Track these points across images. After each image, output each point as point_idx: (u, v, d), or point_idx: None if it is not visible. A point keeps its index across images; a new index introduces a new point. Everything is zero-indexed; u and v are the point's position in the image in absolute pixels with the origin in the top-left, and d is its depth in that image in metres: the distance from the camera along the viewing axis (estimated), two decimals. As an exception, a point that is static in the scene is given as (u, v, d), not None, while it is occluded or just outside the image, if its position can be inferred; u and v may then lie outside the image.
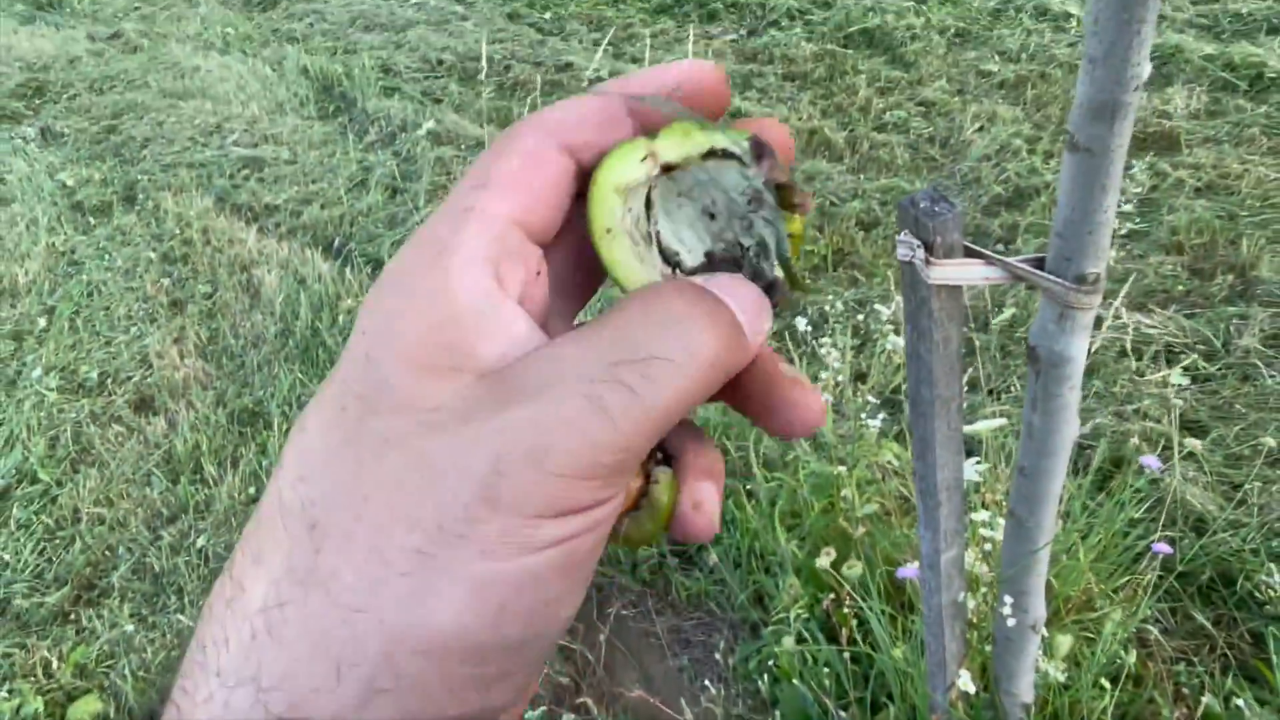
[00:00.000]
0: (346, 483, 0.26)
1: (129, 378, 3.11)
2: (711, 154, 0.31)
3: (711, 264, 0.33)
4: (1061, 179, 0.88)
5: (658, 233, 0.32)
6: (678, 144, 0.31)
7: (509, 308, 0.28)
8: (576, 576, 0.27)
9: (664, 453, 0.32)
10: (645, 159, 0.30)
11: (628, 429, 0.25)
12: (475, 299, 0.27)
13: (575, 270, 0.33)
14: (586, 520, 0.26)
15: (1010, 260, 0.91)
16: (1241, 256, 2.59)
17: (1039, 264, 0.93)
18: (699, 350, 0.27)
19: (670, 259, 0.32)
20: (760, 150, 0.31)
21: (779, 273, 0.32)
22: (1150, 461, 1.31)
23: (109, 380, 3.11)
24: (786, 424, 0.31)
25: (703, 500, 0.31)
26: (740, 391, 0.31)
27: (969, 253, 0.93)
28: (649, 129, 0.31)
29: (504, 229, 0.29)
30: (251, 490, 2.56)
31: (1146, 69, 0.79)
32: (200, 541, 2.45)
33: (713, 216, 0.33)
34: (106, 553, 2.49)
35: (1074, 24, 4.13)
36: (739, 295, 0.30)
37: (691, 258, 0.33)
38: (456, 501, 0.25)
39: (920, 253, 0.91)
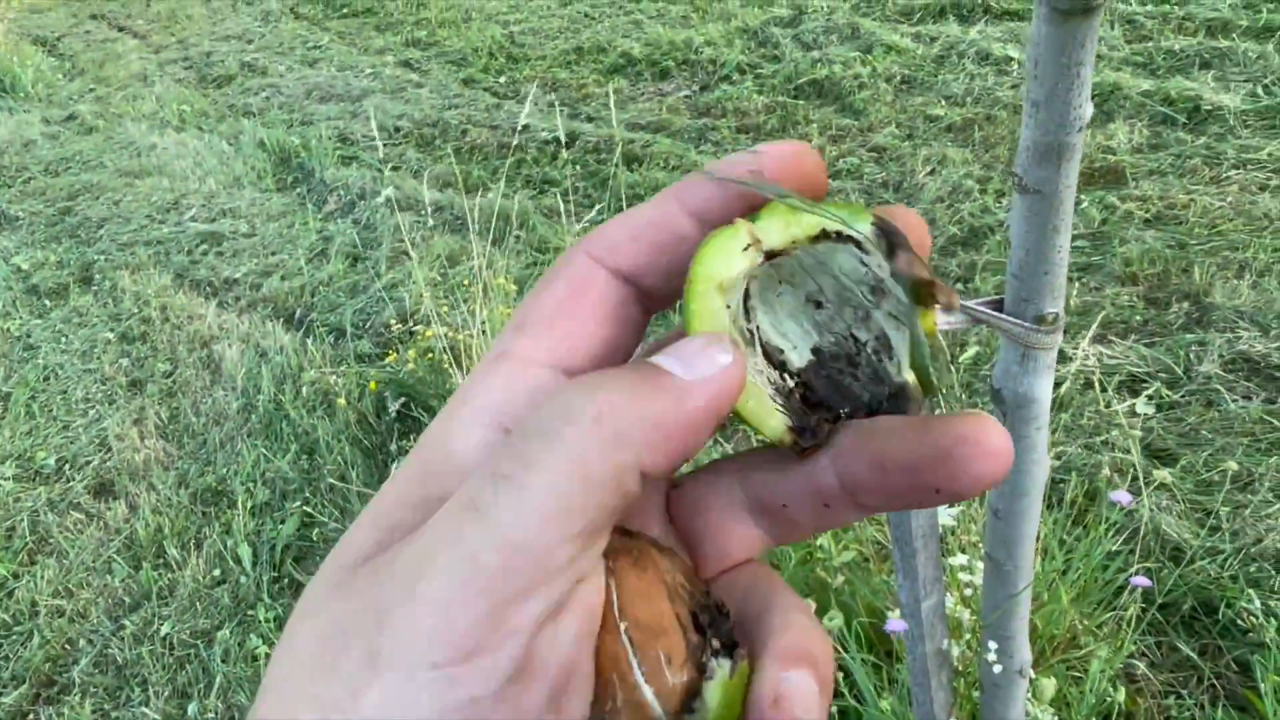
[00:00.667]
0: (298, 655, 0.23)
1: (88, 462, 3.04)
2: (823, 237, 0.27)
3: (820, 362, 0.28)
4: (1013, 221, 0.88)
5: (757, 328, 0.28)
6: (782, 226, 0.26)
7: None
8: None
9: (728, 635, 0.25)
10: (749, 247, 0.26)
11: (504, 517, 0.21)
12: (469, 454, 0.25)
13: None
14: (491, 669, 0.21)
15: (969, 304, 0.91)
16: (1194, 284, 2.63)
17: (998, 306, 0.93)
18: (584, 409, 0.22)
19: (773, 358, 0.28)
20: (890, 235, 0.26)
21: (907, 375, 0.27)
22: (1120, 497, 1.31)
23: (67, 466, 3.04)
24: (953, 480, 0.24)
25: (786, 695, 0.24)
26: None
27: (928, 298, 0.93)
28: (748, 211, 0.27)
29: (536, 375, 0.26)
30: (216, 572, 2.49)
31: (1089, 110, 0.80)
32: (164, 629, 2.37)
33: (819, 305, 0.28)
34: (66, 646, 2.40)
35: (1015, 67, 4.25)
36: (683, 348, 0.25)
37: (797, 355, 0.28)
38: (346, 667, 0.21)
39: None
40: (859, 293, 0.28)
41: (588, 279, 0.27)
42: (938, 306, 0.26)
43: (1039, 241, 0.86)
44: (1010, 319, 0.91)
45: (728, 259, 0.26)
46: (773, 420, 0.26)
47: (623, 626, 0.24)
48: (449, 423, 0.26)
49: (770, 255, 0.26)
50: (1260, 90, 3.53)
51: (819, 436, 0.27)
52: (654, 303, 0.29)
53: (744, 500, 0.29)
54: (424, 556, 0.21)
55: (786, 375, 0.28)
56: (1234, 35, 3.98)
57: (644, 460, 0.23)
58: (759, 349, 0.28)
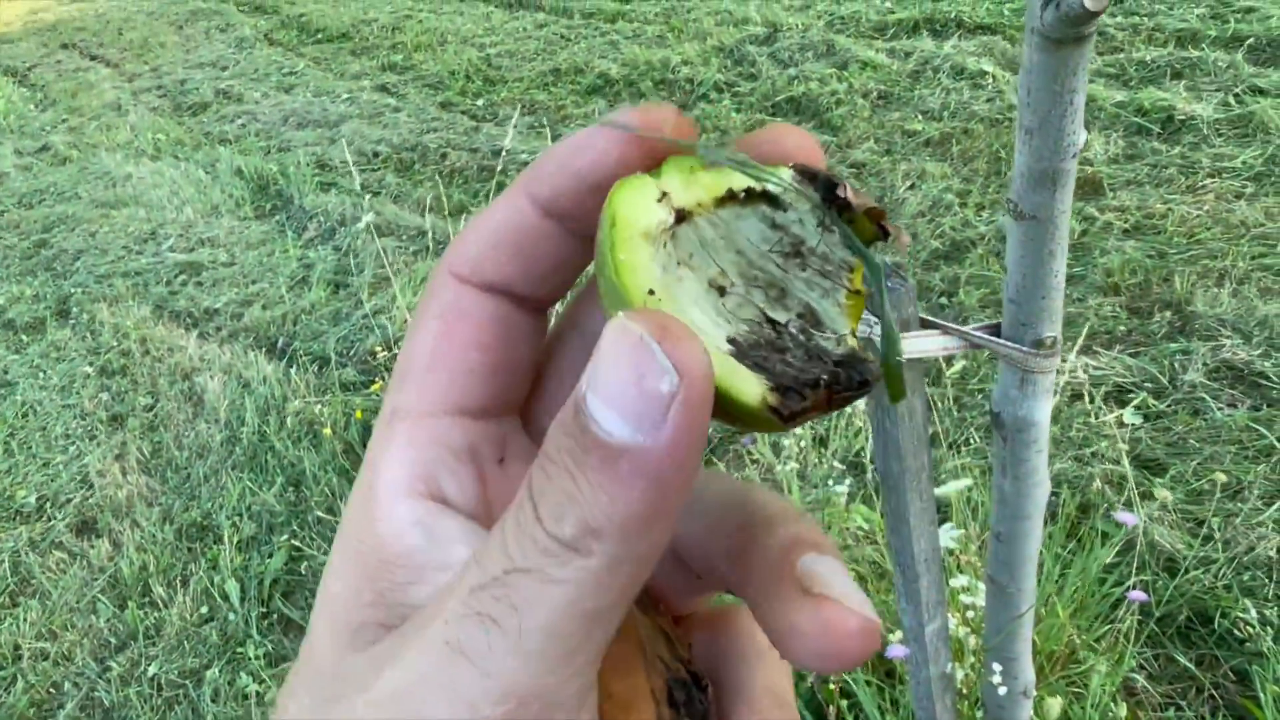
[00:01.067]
0: None
1: (69, 500, 2.99)
2: (729, 199, 0.23)
3: (740, 353, 0.22)
4: (1009, 247, 0.88)
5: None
6: (684, 179, 0.23)
7: (450, 530, 0.23)
8: None
9: (703, 713, 0.24)
10: (661, 199, 0.22)
11: (499, 670, 0.19)
12: (403, 533, 0.23)
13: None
14: None
15: (967, 330, 0.91)
16: (1176, 293, 2.66)
17: (995, 330, 0.93)
18: (564, 539, 0.19)
19: None
20: (816, 176, 0.22)
21: (850, 342, 0.22)
22: (1126, 518, 1.31)
23: (48, 504, 2.99)
24: (801, 653, 0.22)
25: None
26: (737, 583, 0.23)
27: (925, 324, 0.93)
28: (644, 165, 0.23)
29: (435, 428, 0.24)
30: (203, 609, 2.46)
31: (1083, 136, 0.80)
32: (151, 669, 2.33)
33: (722, 291, 0.24)
34: (51, 690, 2.36)
35: (990, 81, 4.29)
36: (612, 379, 0.19)
37: (711, 347, 0.23)
38: None
39: (877, 329, 0.90)
40: (770, 266, 0.23)
41: (457, 305, 0.25)
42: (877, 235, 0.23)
43: (1035, 267, 0.86)
44: (1009, 343, 0.91)
45: (646, 207, 0.22)
46: (746, 385, 0.21)
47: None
48: (368, 506, 0.24)
49: (678, 218, 0.23)
50: (1231, 99, 3.58)
51: (805, 397, 0.21)
52: (538, 304, 0.26)
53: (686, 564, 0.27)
54: (412, 699, 0.20)
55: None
56: (1203, 45, 4.04)
57: (647, 568, 0.20)
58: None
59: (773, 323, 0.23)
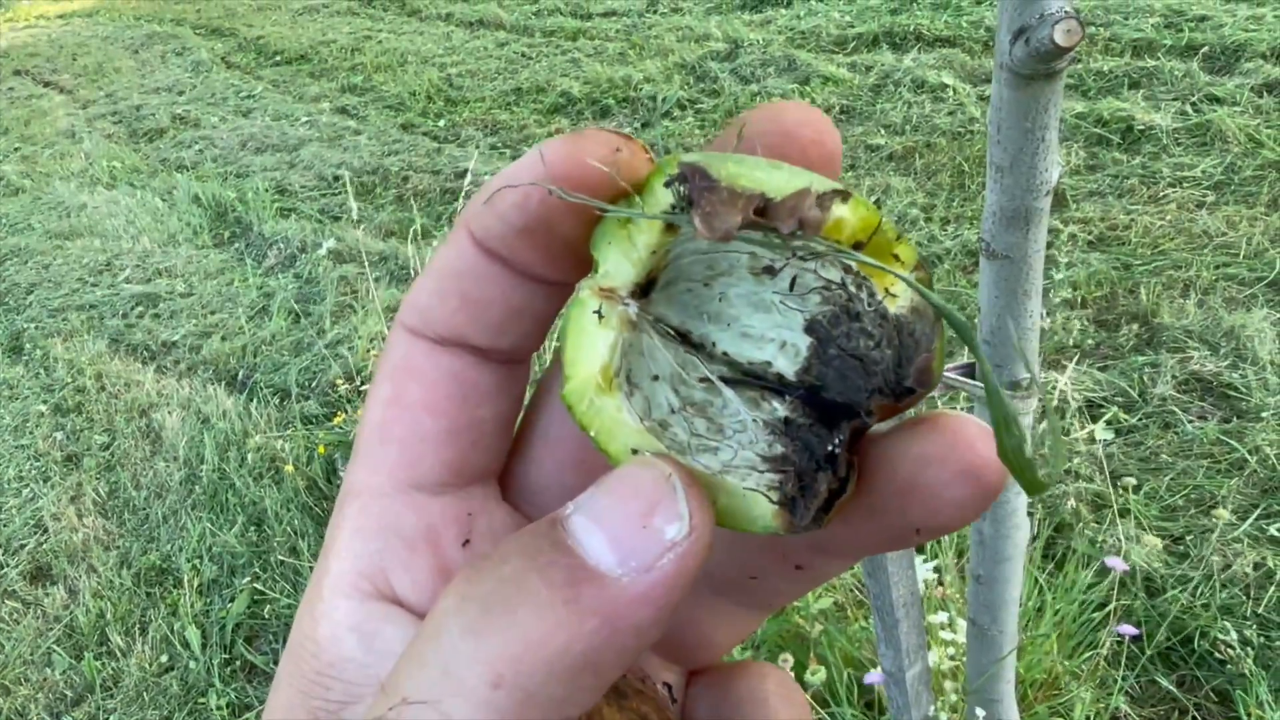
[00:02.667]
0: None
1: (22, 545, 2.89)
2: (670, 228, 0.20)
3: (823, 339, 0.20)
4: (981, 286, 0.85)
5: (724, 353, 0.21)
6: (622, 244, 0.20)
7: (391, 635, 0.21)
8: None
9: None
10: (603, 309, 0.20)
11: None
12: (340, 642, 0.21)
13: (565, 477, 0.23)
14: None
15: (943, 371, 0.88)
16: (1142, 305, 2.66)
17: (970, 371, 0.90)
18: (477, 674, 0.17)
19: (761, 377, 0.21)
20: (684, 180, 0.19)
21: (898, 294, 0.19)
22: (1116, 564, 1.29)
23: (0, 550, 2.88)
24: (931, 516, 0.20)
25: None
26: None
27: (898, 366, 0.90)
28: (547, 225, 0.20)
29: (385, 509, 0.21)
30: (163, 658, 2.37)
31: (1055, 173, 0.77)
32: (109, 723, 2.24)
33: (771, 270, 0.21)
34: (3, 749, 2.26)
35: (950, 94, 4.31)
36: (614, 507, 0.18)
37: (787, 356, 0.21)
38: None
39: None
40: (784, 255, 0.21)
41: (407, 363, 0.22)
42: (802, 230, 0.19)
43: (1009, 306, 0.83)
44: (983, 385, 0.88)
45: (590, 347, 0.20)
46: (756, 510, 0.19)
47: None
48: (313, 604, 0.21)
49: (643, 290, 0.20)
50: (1189, 108, 3.61)
51: (818, 498, 0.19)
52: (503, 357, 0.23)
53: (708, 584, 0.24)
54: None
55: (787, 396, 0.20)
56: (1159, 55, 4.08)
57: (567, 711, 0.17)
58: (724, 386, 0.21)
59: (845, 289, 0.20)
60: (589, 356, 0.20)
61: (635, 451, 0.19)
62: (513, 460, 0.25)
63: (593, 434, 0.20)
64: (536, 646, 0.16)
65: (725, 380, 0.21)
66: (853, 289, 0.20)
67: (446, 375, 0.22)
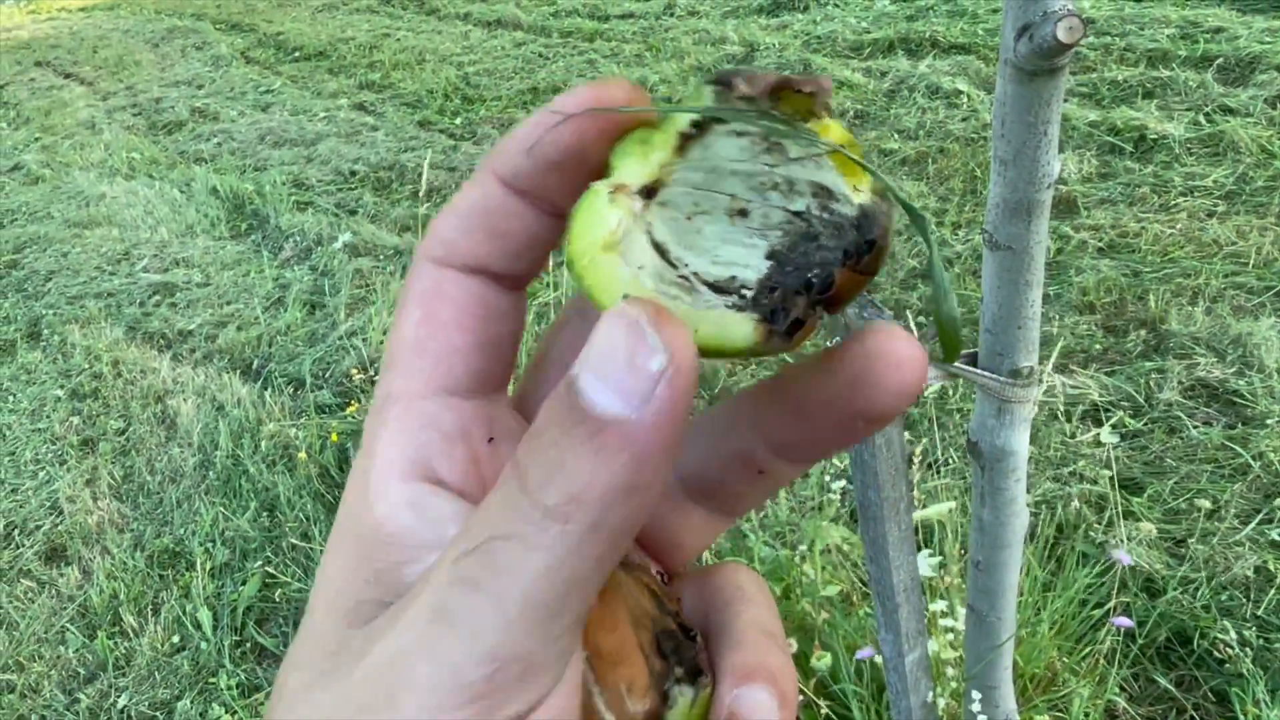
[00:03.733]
0: None
1: (38, 527, 2.94)
2: (685, 140, 0.24)
3: (782, 262, 0.23)
4: (985, 276, 0.88)
5: (694, 274, 0.24)
6: (639, 159, 0.23)
7: (443, 510, 0.24)
8: None
9: (693, 661, 0.24)
10: (615, 194, 0.23)
11: (483, 632, 0.20)
12: (398, 514, 0.24)
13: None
14: None
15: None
16: (1151, 311, 2.68)
17: (972, 360, 0.93)
18: (546, 505, 0.20)
19: (726, 289, 0.24)
20: (724, 82, 0.23)
21: (857, 199, 0.23)
22: (1122, 557, 1.31)
23: (16, 531, 2.93)
24: (872, 402, 0.23)
25: (740, 713, 0.23)
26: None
27: (902, 354, 0.92)
28: (568, 164, 0.24)
29: (425, 410, 0.25)
30: (175, 638, 2.41)
31: (1057, 167, 0.80)
32: (121, 701, 2.28)
33: (744, 213, 0.24)
34: (17, 724, 2.30)
35: (964, 100, 4.33)
36: (605, 355, 0.20)
37: (752, 271, 0.24)
38: None
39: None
40: (762, 167, 0.24)
41: (437, 289, 0.25)
42: (816, 102, 0.23)
43: (1011, 296, 0.86)
44: (986, 373, 0.90)
45: (599, 218, 0.23)
46: (738, 329, 0.22)
47: (584, 655, 0.23)
48: (364, 489, 0.24)
49: (648, 192, 0.24)
50: (1202, 118, 3.63)
51: (794, 312, 0.22)
52: (515, 282, 0.27)
53: (679, 487, 0.28)
54: (402, 666, 0.21)
55: (749, 299, 0.23)
56: (1174, 65, 4.09)
57: (624, 537, 0.21)
58: (706, 289, 0.24)
59: (798, 215, 0.24)
60: (596, 227, 0.23)
61: (625, 297, 0.21)
62: (526, 381, 0.29)
63: (588, 285, 0.22)
64: (588, 487, 0.20)
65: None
66: (815, 213, 0.24)
67: (473, 297, 0.26)
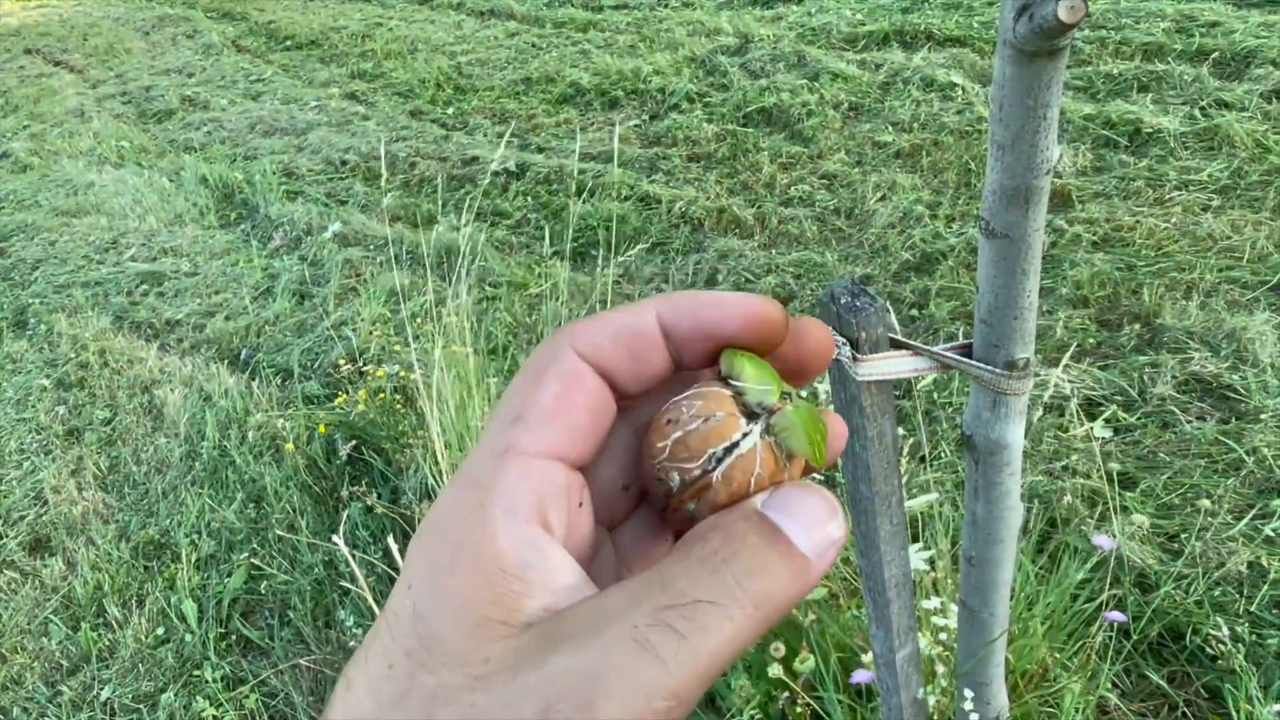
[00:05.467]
0: None
1: (22, 517, 2.91)
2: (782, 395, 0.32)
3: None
4: (980, 265, 0.86)
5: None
6: (773, 379, 0.31)
7: (556, 556, 0.28)
8: None
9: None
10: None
11: (678, 671, 0.25)
12: (520, 551, 0.27)
13: (615, 486, 0.33)
14: None
15: (938, 350, 0.89)
16: (1144, 306, 2.66)
17: (966, 351, 0.91)
18: (749, 592, 0.26)
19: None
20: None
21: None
22: (1103, 542, 1.29)
23: (0, 521, 2.90)
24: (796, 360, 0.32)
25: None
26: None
27: (895, 344, 0.90)
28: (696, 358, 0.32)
29: (545, 468, 0.29)
30: (159, 630, 2.38)
31: (1056, 152, 0.78)
32: (105, 693, 2.25)
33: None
34: (0, 716, 2.27)
35: (959, 93, 4.31)
36: (804, 513, 0.28)
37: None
38: None
39: (845, 350, 0.87)
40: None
41: (578, 376, 0.30)
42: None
43: (1008, 286, 0.84)
44: (980, 365, 0.88)
45: (811, 410, 0.31)
46: None
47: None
48: (488, 523, 0.27)
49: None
50: (1197, 112, 3.61)
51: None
52: (623, 398, 0.31)
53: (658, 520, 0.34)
54: (600, 679, 0.24)
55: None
56: (1169, 59, 4.07)
57: (767, 627, 0.27)
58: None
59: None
60: (815, 416, 0.32)
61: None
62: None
63: (814, 444, 0.31)
64: (779, 590, 0.27)
65: None
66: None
67: (601, 393, 0.30)
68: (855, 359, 0.87)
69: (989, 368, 0.88)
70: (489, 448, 0.29)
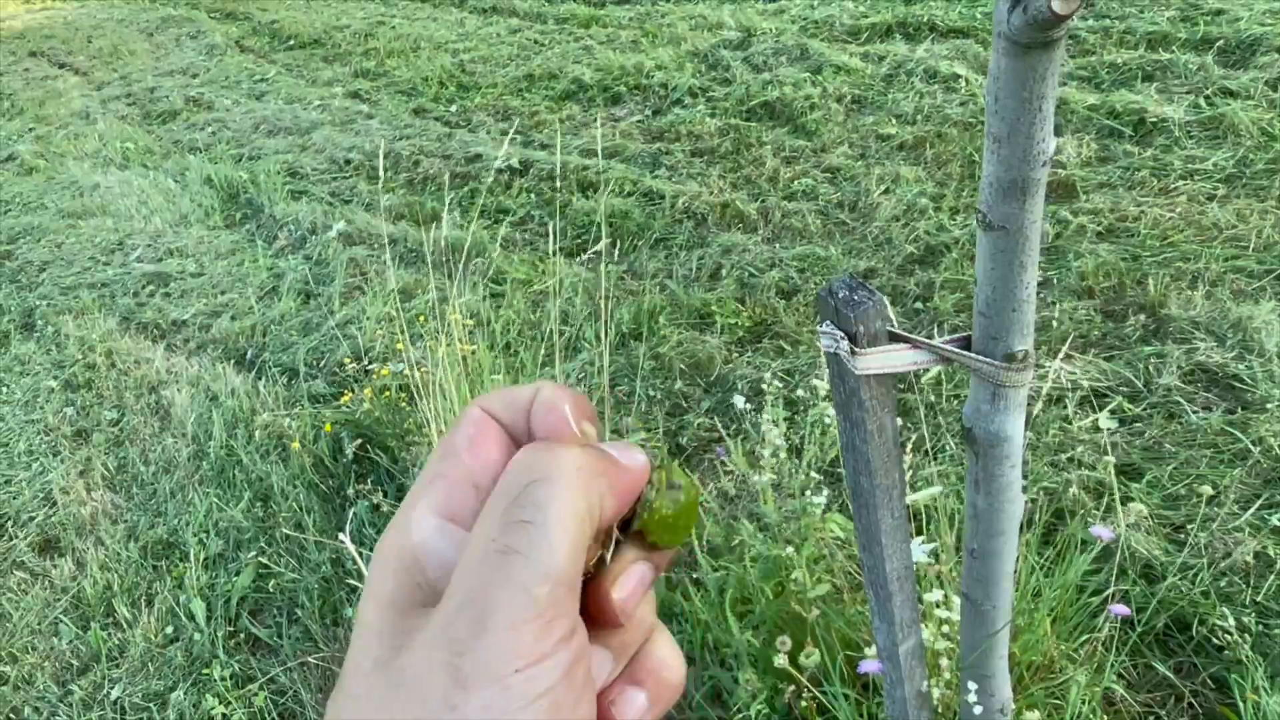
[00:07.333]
0: (370, 713, 0.28)
1: (31, 518, 2.92)
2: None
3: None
4: (978, 258, 0.86)
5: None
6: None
7: (461, 536, 0.31)
8: None
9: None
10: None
11: (540, 555, 0.28)
12: (427, 537, 0.31)
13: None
14: (554, 665, 0.27)
15: (937, 344, 0.89)
16: (1150, 296, 2.65)
17: (965, 344, 0.91)
18: (565, 462, 0.30)
19: None
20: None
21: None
22: (1101, 532, 1.29)
23: (9, 523, 2.92)
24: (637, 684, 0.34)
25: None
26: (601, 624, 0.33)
27: (893, 338, 0.90)
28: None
29: (460, 481, 0.33)
30: (168, 629, 2.39)
31: (1052, 144, 0.77)
32: (115, 692, 2.26)
33: None
34: (11, 716, 2.29)
35: (962, 84, 4.29)
36: (611, 445, 0.33)
37: None
38: (434, 696, 0.26)
39: (844, 344, 0.87)
40: None
41: (485, 424, 0.35)
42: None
43: (1006, 278, 0.84)
44: (979, 357, 0.88)
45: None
46: None
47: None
48: (405, 524, 0.32)
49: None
50: (1202, 101, 3.59)
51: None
52: (518, 442, 0.36)
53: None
54: (483, 597, 0.27)
55: None
56: (1174, 48, 4.05)
57: (604, 504, 0.31)
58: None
59: None
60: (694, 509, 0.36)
61: None
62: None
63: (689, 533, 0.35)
64: (592, 465, 0.31)
65: None
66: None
67: (502, 438, 0.35)
68: (854, 353, 0.88)
69: (988, 360, 0.88)
70: (422, 478, 0.34)
